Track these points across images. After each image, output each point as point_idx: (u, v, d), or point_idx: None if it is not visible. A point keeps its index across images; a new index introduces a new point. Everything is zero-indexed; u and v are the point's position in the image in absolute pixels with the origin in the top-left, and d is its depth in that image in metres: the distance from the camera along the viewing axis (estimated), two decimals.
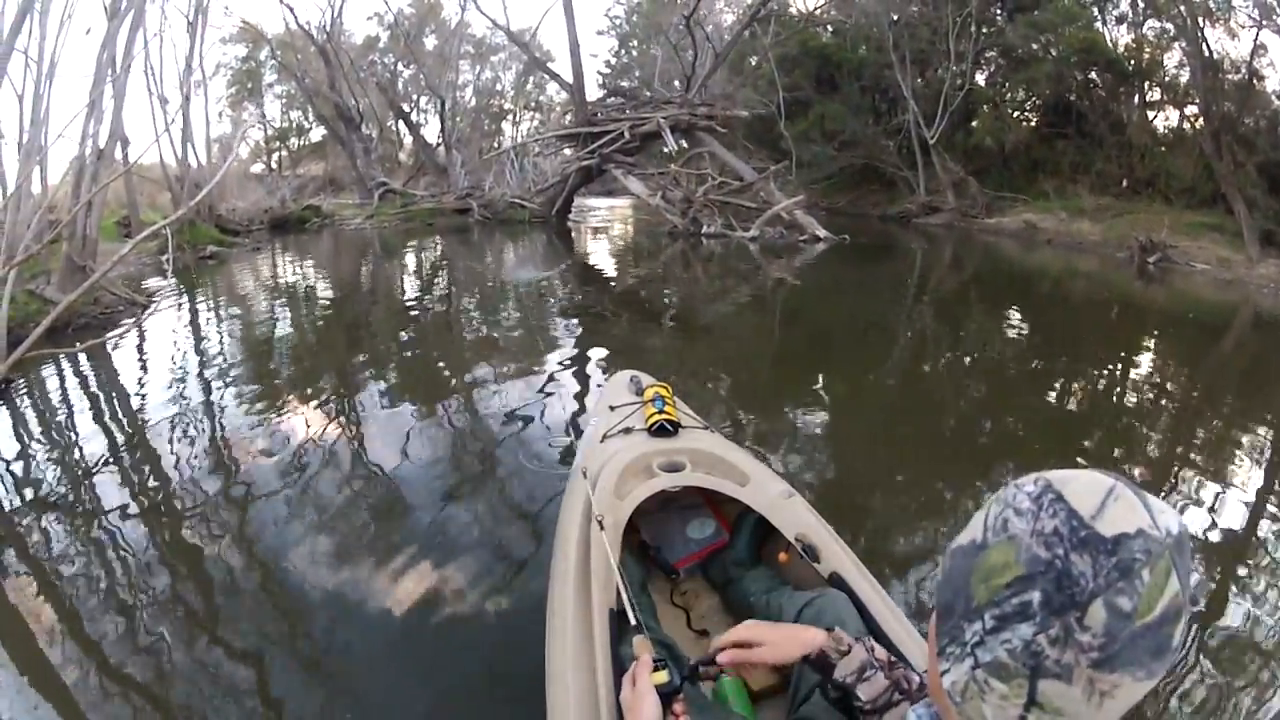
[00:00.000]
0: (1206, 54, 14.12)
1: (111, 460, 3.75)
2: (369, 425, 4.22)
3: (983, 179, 18.53)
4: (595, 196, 19.90)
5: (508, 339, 6.49)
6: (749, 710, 1.38)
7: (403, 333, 6.93)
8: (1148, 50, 17.15)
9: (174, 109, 13.78)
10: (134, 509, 3.17)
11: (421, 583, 2.62)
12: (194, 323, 7.35)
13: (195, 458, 3.70)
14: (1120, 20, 17.67)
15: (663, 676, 1.07)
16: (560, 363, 5.57)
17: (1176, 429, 5.06)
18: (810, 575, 1.65)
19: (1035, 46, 18.08)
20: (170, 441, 3.92)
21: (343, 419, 4.34)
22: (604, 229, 18.34)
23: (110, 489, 3.37)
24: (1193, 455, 4.46)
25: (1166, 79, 17.16)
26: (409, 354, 6.24)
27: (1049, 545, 0.55)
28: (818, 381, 5.56)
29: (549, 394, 4.78)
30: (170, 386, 4.93)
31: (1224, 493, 3.75)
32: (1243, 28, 14.54)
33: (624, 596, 1.41)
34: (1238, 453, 4.49)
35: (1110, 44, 17.49)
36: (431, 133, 23.65)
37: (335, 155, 23.91)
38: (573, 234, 16.43)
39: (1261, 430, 4.91)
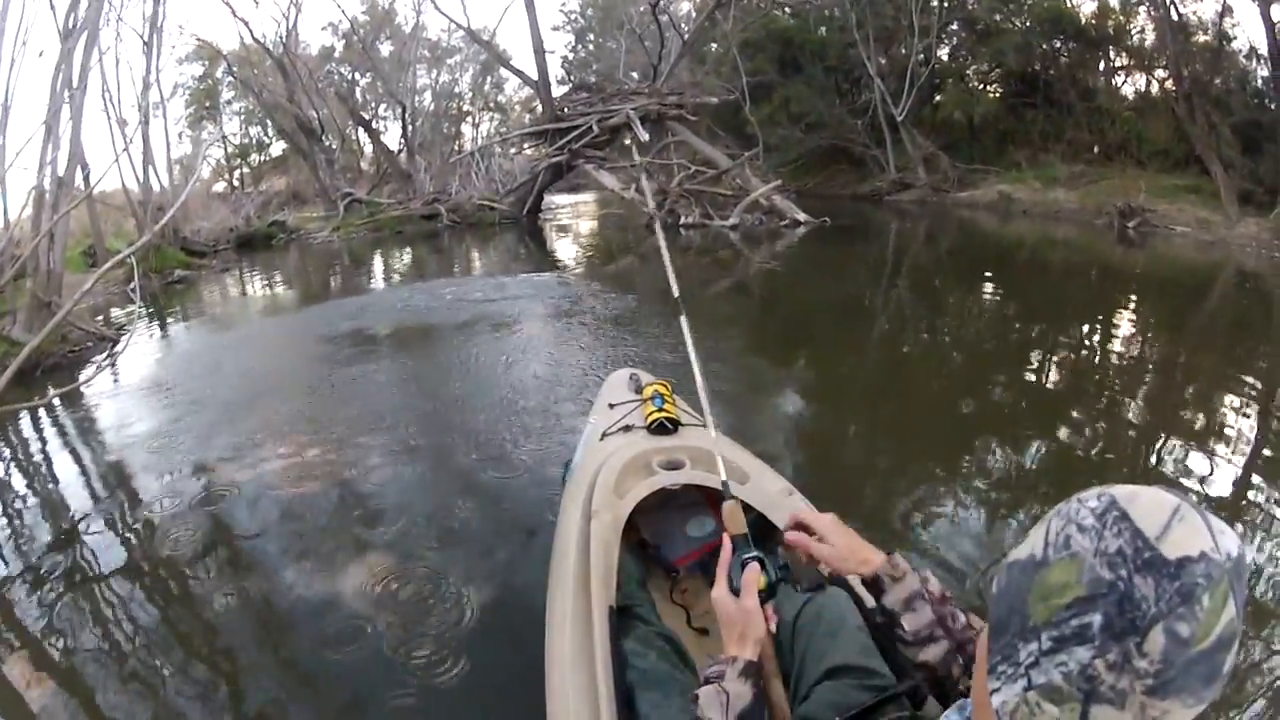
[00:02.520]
0: (1176, 17, 14.14)
1: (94, 511, 3.54)
2: (357, 437, 4.15)
3: (953, 153, 18.48)
4: (559, 193, 19.60)
5: (493, 341, 6.26)
6: None
7: (384, 343, 6.61)
8: (1114, 17, 17.17)
9: (133, 130, 13.43)
10: (124, 559, 3.05)
11: (420, 584, 2.67)
12: (167, 354, 7.07)
13: (183, 499, 3.52)
14: None
15: (763, 582, 1.10)
16: (553, 360, 5.44)
17: (1171, 391, 5.09)
18: (810, 572, 1.59)
19: (999, 18, 18.11)
20: (156, 483, 3.74)
21: (328, 434, 4.21)
22: (574, 226, 18.12)
23: (98, 540, 3.21)
24: (1186, 418, 4.45)
25: (1134, 44, 17.21)
26: (395, 362, 5.96)
27: (1113, 566, 0.54)
28: (805, 368, 5.53)
29: (545, 392, 4.73)
30: (148, 424, 4.69)
31: (1213, 457, 3.72)
32: None
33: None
34: (1229, 411, 4.47)
35: (1070, 9, 17.49)
36: (392, 139, 23.61)
37: (298, 168, 23.53)
38: (544, 233, 16.15)
39: (1256, 384, 4.94)
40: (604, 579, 1.55)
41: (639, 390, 2.47)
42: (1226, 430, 4.12)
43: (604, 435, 2.23)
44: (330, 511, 3.29)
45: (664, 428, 2.16)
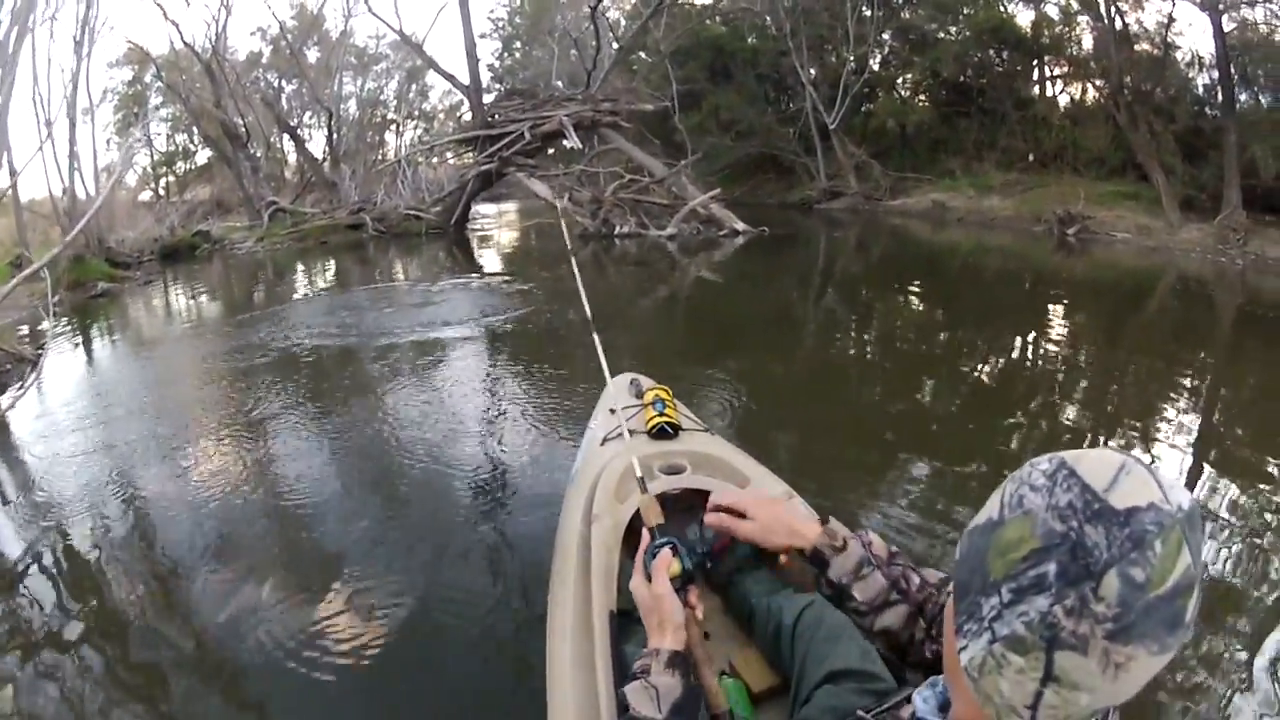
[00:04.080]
0: (1120, 26, 14.21)
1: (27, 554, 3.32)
2: (321, 448, 4.26)
3: (884, 161, 18.38)
4: (482, 202, 18.98)
5: (413, 368, 5.93)
6: (750, 712, 1.36)
7: (303, 376, 6.04)
8: (1053, 27, 17.32)
9: (61, 133, 13.15)
10: (63, 597, 2.93)
11: (422, 588, 2.75)
12: (91, 375, 6.72)
13: (129, 531, 3.43)
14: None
15: (676, 567, 1.10)
16: (473, 391, 5.29)
17: (1104, 391, 5.31)
18: (811, 577, 1.62)
19: (934, 26, 18.23)
20: (92, 514, 3.59)
21: (245, 458, 4.21)
22: (503, 236, 17.73)
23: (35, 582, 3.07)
24: (1116, 419, 4.59)
25: (1072, 53, 17.37)
26: (317, 399, 5.45)
27: (1063, 518, 0.56)
28: (739, 377, 5.33)
29: (516, 405, 4.82)
30: (77, 448, 4.49)
31: (1151, 451, 3.91)
32: None
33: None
34: (1164, 414, 4.63)
35: (1009, 18, 17.65)
36: (317, 147, 23.11)
37: (222, 176, 23.08)
38: (472, 244, 15.57)
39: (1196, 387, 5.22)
40: (605, 583, 1.56)
41: (639, 395, 2.46)
42: (1157, 433, 4.24)
43: (604, 440, 2.24)
44: (260, 534, 3.32)
45: (664, 432, 2.16)
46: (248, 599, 2.75)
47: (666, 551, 1.12)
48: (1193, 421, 4.50)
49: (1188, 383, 5.26)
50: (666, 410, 2.21)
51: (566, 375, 5.32)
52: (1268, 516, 3.21)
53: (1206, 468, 3.77)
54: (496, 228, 19.17)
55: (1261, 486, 3.50)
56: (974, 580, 0.61)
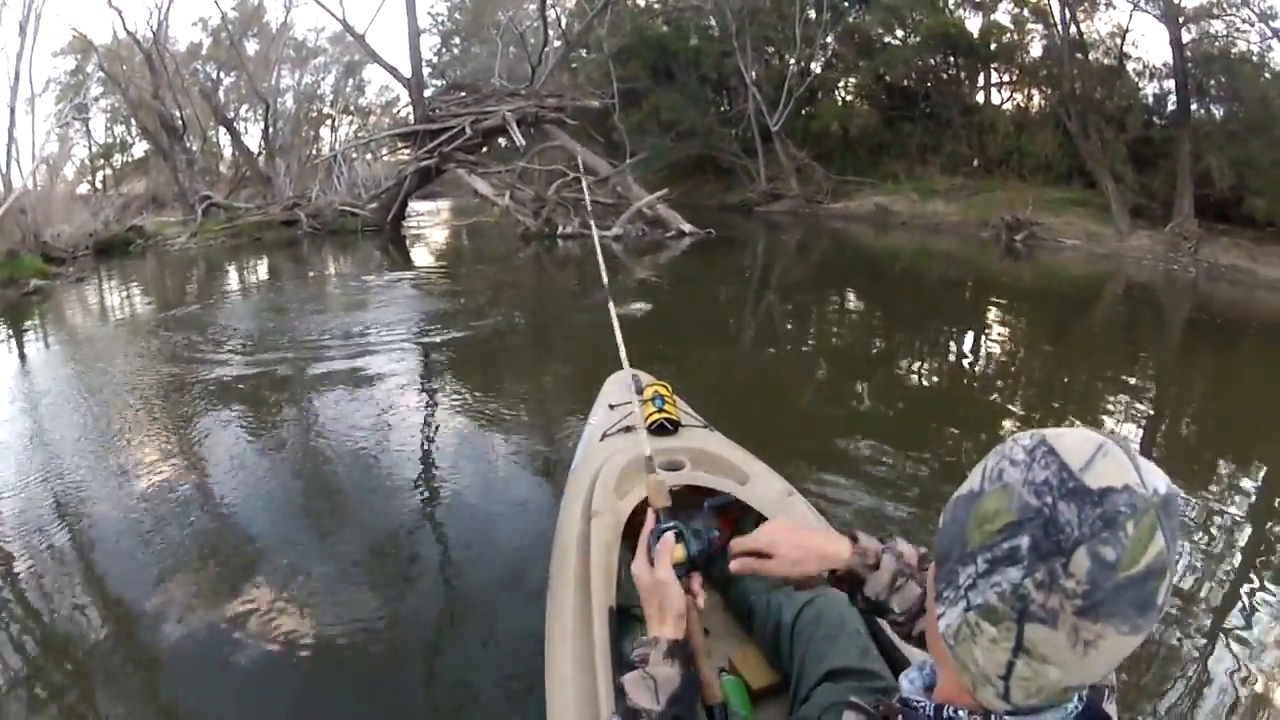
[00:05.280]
0: (1076, 35, 14.28)
1: None
2: (255, 468, 4.01)
3: (826, 164, 18.34)
4: (416, 200, 18.42)
5: (344, 381, 5.53)
6: (749, 710, 1.36)
7: (253, 374, 5.74)
8: (1003, 34, 17.42)
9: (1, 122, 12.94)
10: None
11: (421, 585, 2.80)
12: (21, 378, 6.27)
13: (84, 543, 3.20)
14: (976, 6, 17.86)
15: (680, 553, 1.07)
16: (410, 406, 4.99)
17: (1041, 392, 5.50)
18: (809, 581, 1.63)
19: (880, 31, 18.33)
20: (15, 516, 3.41)
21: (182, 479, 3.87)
22: (440, 235, 17.33)
23: None
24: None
25: (1021, 61, 17.52)
26: (249, 409, 5.11)
27: (1039, 494, 0.57)
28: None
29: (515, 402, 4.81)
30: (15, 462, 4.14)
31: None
32: (1112, 7, 14.97)
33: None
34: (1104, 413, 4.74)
35: (959, 23, 17.73)
36: (252, 141, 22.55)
37: (158, 170, 22.42)
38: (408, 242, 15.09)
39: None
40: (604, 579, 1.55)
41: (639, 391, 2.32)
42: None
43: (604, 436, 2.25)
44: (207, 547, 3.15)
45: (664, 428, 2.15)
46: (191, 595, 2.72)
47: (670, 536, 1.08)
48: (1140, 426, 4.60)
49: (1139, 385, 5.46)
50: (666, 406, 2.21)
51: (557, 372, 5.41)
52: (1214, 523, 3.29)
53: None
54: (435, 225, 18.77)
55: (1205, 494, 3.57)
56: (953, 549, 0.62)
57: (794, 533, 1.05)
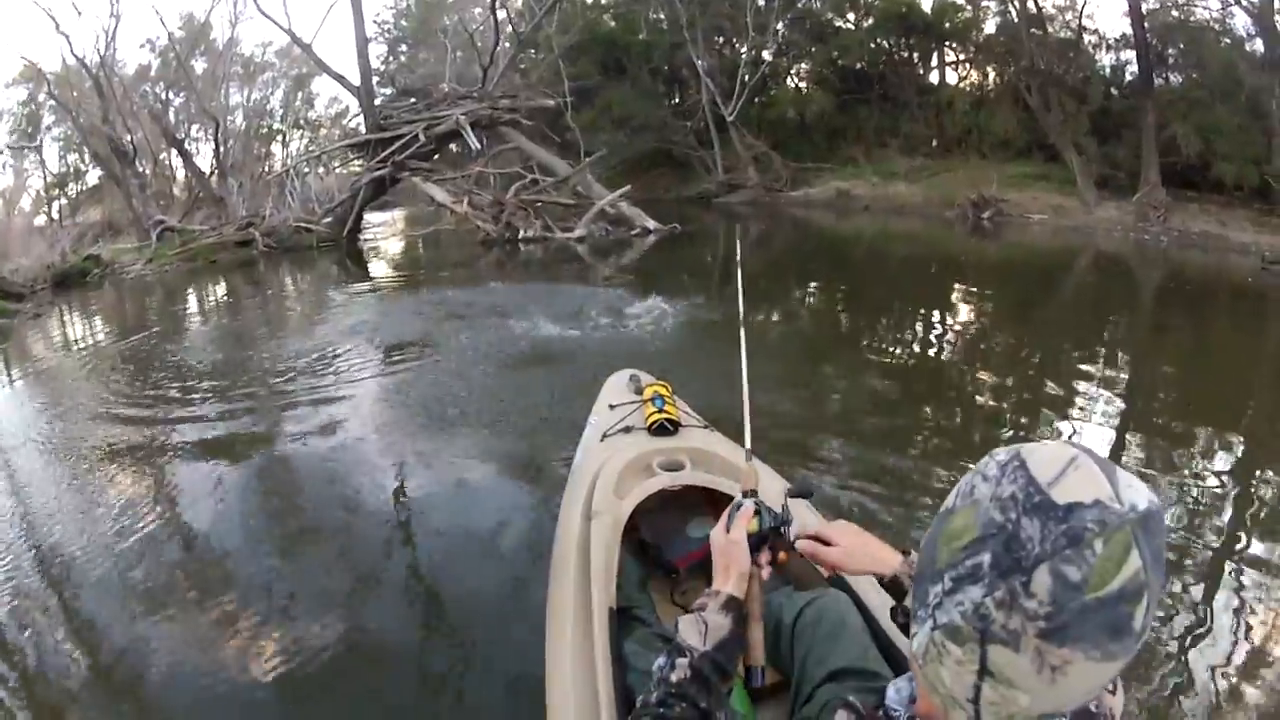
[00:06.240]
0: (1035, 9, 14.23)
1: None
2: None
3: (783, 151, 18.24)
4: (371, 211, 18.03)
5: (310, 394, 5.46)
6: (749, 710, 1.36)
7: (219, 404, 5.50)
8: (960, 12, 17.41)
9: None
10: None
11: (421, 588, 2.81)
12: None
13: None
14: None
15: (754, 524, 1.12)
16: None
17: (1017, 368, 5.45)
18: (812, 575, 1.63)
19: (831, 15, 18.30)
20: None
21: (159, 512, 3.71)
22: (397, 245, 16.98)
23: None
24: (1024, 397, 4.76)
25: (976, 38, 17.48)
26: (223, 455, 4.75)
27: (1004, 509, 0.55)
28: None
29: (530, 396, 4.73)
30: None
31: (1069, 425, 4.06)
32: None
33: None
34: (1075, 388, 4.75)
35: (907, 5, 17.64)
36: (204, 162, 22.09)
37: (112, 197, 22.04)
38: (364, 254, 14.76)
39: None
40: (604, 580, 1.56)
41: (639, 391, 2.43)
42: (1071, 409, 4.34)
43: (604, 436, 2.23)
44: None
45: (664, 429, 2.15)
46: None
47: (749, 505, 1.13)
48: (1095, 409, 4.51)
49: (1113, 355, 5.60)
50: (666, 406, 2.21)
51: (547, 373, 5.21)
52: (1193, 493, 3.29)
53: (1128, 442, 3.86)
54: (391, 236, 18.45)
55: (1181, 463, 3.59)
56: (926, 567, 0.61)
57: (858, 534, 1.14)
